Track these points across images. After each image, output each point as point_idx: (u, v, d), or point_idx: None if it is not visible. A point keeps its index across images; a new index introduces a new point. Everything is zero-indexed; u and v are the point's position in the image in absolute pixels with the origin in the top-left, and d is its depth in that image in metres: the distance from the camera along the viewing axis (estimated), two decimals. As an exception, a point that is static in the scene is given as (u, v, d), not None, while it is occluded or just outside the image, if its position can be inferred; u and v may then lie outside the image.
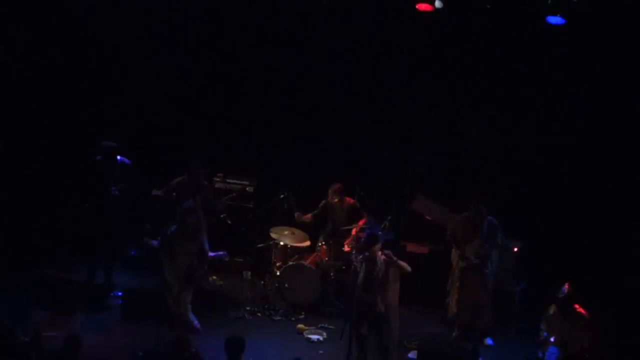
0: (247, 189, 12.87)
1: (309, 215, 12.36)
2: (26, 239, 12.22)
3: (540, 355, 9.79)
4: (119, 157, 11.78)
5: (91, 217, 11.86)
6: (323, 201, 12.31)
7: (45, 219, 12.82)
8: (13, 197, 12.89)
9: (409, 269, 9.88)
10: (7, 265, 12.00)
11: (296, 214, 12.29)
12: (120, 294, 11.51)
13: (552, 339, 9.80)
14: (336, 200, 12.21)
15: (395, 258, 9.85)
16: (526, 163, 12.83)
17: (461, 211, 11.31)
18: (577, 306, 9.75)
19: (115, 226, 11.86)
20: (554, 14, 11.60)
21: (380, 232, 10.41)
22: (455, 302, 11.18)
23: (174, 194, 11.75)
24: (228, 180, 12.97)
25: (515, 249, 11.94)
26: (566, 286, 9.79)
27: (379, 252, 9.84)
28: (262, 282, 12.39)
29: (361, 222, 12.04)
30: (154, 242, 10.65)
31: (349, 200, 12.28)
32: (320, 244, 12.31)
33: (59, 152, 13.23)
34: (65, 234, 12.69)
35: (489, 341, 11.22)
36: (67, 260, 12.27)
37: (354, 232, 12.03)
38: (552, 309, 9.92)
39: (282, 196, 12.34)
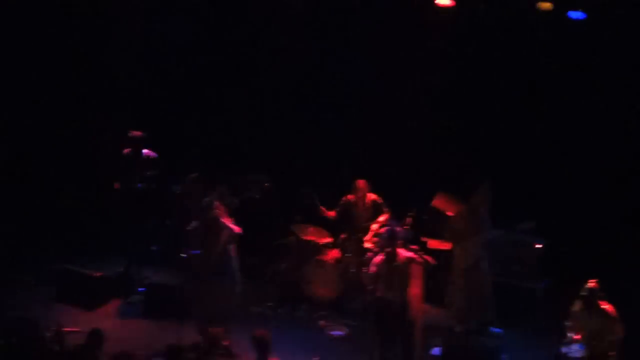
0: (266, 184, 12.74)
1: (333, 212, 12.23)
2: (50, 233, 12.18)
3: (565, 352, 9.62)
4: (144, 150, 11.70)
5: (115, 211, 11.85)
6: (345, 197, 12.18)
7: (70, 214, 12.80)
8: (39, 192, 12.93)
9: (433, 261, 9.81)
10: (30, 260, 12.00)
11: (321, 209, 12.12)
12: (142, 289, 11.49)
13: (576, 336, 9.64)
14: (359, 195, 12.10)
15: (420, 253, 9.76)
16: (546, 158, 12.73)
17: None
18: (602, 302, 9.65)
19: (137, 221, 11.79)
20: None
21: (400, 228, 10.32)
22: (462, 299, 11.01)
23: (190, 191, 11.68)
24: (245, 176, 12.82)
25: (537, 246, 11.84)
26: (591, 282, 9.67)
27: (401, 248, 9.74)
28: (284, 278, 12.20)
29: (382, 218, 11.87)
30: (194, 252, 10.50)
31: (372, 196, 12.17)
32: (341, 240, 12.19)
33: (85, 144, 13.24)
34: (90, 228, 12.65)
35: (495, 330, 11.10)
36: (92, 254, 12.17)
37: (373, 227, 11.85)
38: (577, 306, 9.81)
39: (304, 193, 12.19)
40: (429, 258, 9.64)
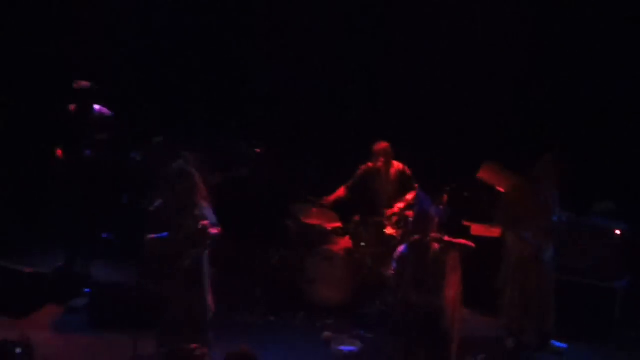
0: (257, 150, 12.61)
1: (341, 189, 12.06)
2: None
3: None
4: (96, 107, 11.54)
5: (59, 186, 11.75)
6: (363, 166, 11.94)
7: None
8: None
9: (471, 244, 9.50)
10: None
11: (323, 202, 12.15)
12: (88, 290, 11.33)
13: None
14: (381, 163, 11.84)
15: (451, 239, 9.47)
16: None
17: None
18: None
19: (83, 200, 11.62)
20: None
21: (433, 208, 9.95)
22: (517, 302, 10.81)
23: (155, 156, 11.63)
24: (229, 142, 12.78)
25: (618, 232, 11.52)
26: None
27: (434, 235, 9.42)
28: (279, 276, 12.12)
29: (409, 196, 11.62)
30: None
31: (398, 165, 11.95)
32: (355, 225, 11.93)
33: (15, 100, 13.23)
34: (21, 210, 12.75)
35: (558, 344, 10.86)
36: (22, 245, 12.29)
37: (397, 208, 11.75)
38: None
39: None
40: (465, 241, 9.39)
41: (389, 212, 11.79)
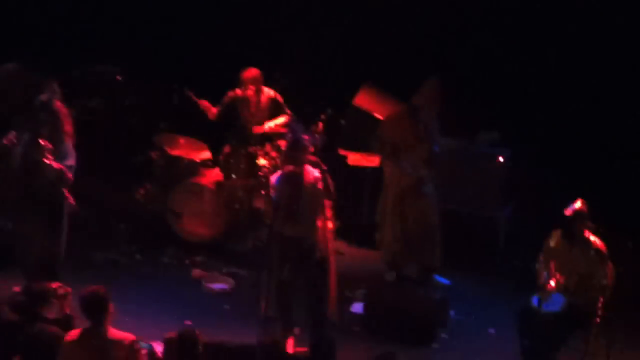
0: (117, 77, 12.45)
1: (214, 110, 11.84)
2: None
3: (537, 303, 9.31)
4: None
5: None
6: (231, 92, 11.75)
7: None
8: None
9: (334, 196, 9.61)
10: None
11: (202, 103, 11.85)
12: None
13: (552, 281, 9.32)
14: (250, 91, 11.69)
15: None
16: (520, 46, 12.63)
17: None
18: (589, 233, 9.27)
19: None
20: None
21: (308, 136, 9.86)
22: (397, 235, 10.83)
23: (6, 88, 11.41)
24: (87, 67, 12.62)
25: (501, 159, 11.68)
26: (577, 203, 9.25)
27: (308, 165, 9.45)
28: (144, 211, 12.04)
29: (282, 121, 11.62)
30: None
31: (269, 92, 11.81)
32: (225, 156, 11.88)
33: None
34: None
35: (441, 279, 10.97)
36: None
37: (269, 126, 11.71)
38: (554, 238, 9.44)
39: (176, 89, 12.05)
40: (330, 184, 9.41)
41: (258, 129, 11.70)
